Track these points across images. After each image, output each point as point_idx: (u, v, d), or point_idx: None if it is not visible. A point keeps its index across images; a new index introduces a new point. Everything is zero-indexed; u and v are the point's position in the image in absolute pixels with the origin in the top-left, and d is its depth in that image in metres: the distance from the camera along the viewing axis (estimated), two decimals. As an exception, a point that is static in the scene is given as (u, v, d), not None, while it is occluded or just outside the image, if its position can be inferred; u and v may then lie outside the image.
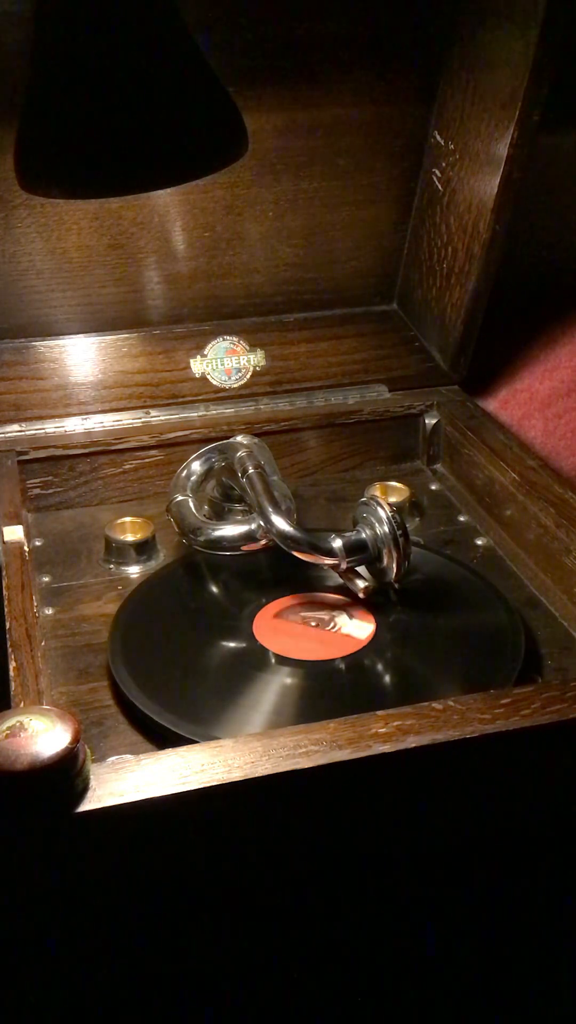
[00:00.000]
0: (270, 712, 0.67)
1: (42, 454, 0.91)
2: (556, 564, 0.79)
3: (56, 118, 0.66)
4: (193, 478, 0.84)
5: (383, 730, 0.55)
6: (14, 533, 0.78)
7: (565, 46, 0.78)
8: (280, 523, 0.74)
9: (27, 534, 0.80)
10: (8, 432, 0.93)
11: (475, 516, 0.90)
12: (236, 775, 0.53)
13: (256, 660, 0.71)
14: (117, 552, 0.84)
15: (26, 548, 0.76)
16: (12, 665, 0.63)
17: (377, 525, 0.73)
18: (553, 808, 0.61)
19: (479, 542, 0.87)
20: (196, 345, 0.98)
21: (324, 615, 0.75)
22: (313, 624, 0.75)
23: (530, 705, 0.57)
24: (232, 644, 0.74)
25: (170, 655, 0.72)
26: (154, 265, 0.95)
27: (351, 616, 0.75)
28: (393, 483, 0.91)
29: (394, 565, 0.73)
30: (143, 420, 0.95)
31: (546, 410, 0.98)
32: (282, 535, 0.74)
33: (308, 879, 0.58)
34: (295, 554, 0.74)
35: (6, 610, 0.69)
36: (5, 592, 0.71)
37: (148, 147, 0.66)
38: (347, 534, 0.74)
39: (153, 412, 0.96)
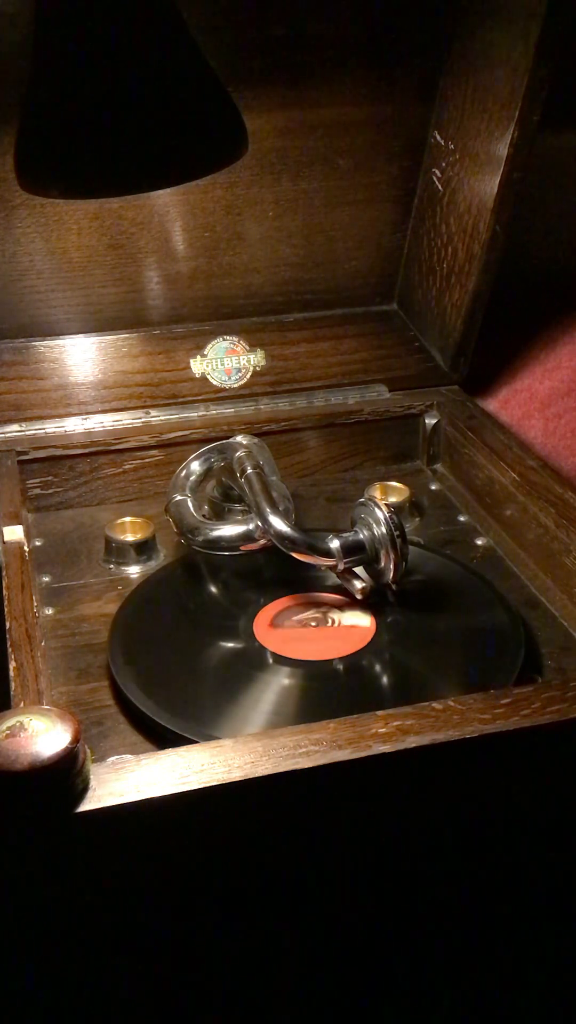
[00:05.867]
0: (270, 712, 0.67)
1: (42, 454, 0.91)
2: (556, 564, 0.79)
3: (56, 118, 0.66)
4: (192, 478, 0.84)
5: (383, 730, 0.55)
6: (14, 533, 0.78)
7: (565, 46, 0.78)
8: (278, 523, 0.74)
9: (27, 534, 0.80)
10: (8, 432, 0.93)
11: (475, 516, 0.90)
12: (236, 775, 0.53)
13: (256, 660, 0.71)
14: (117, 552, 0.84)
15: (26, 548, 0.76)
16: (12, 665, 0.63)
17: (375, 526, 0.73)
18: (553, 808, 0.61)
19: (479, 542, 0.87)
20: (196, 345, 0.98)
21: (324, 615, 0.76)
22: (313, 624, 0.75)
23: (530, 705, 0.57)
24: (232, 644, 0.74)
25: (170, 655, 0.72)
26: (154, 265, 0.95)
27: (351, 616, 0.75)
28: (393, 483, 0.91)
29: (391, 566, 0.73)
30: (143, 420, 0.95)
31: (546, 410, 0.98)
32: (279, 535, 0.74)
33: (308, 879, 0.58)
34: (292, 555, 0.74)
35: (6, 610, 0.69)
36: (5, 592, 0.71)
37: (148, 147, 0.66)
38: (345, 535, 0.74)
39: (153, 412, 0.96)
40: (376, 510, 0.74)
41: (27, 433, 0.93)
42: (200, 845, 0.55)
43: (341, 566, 0.74)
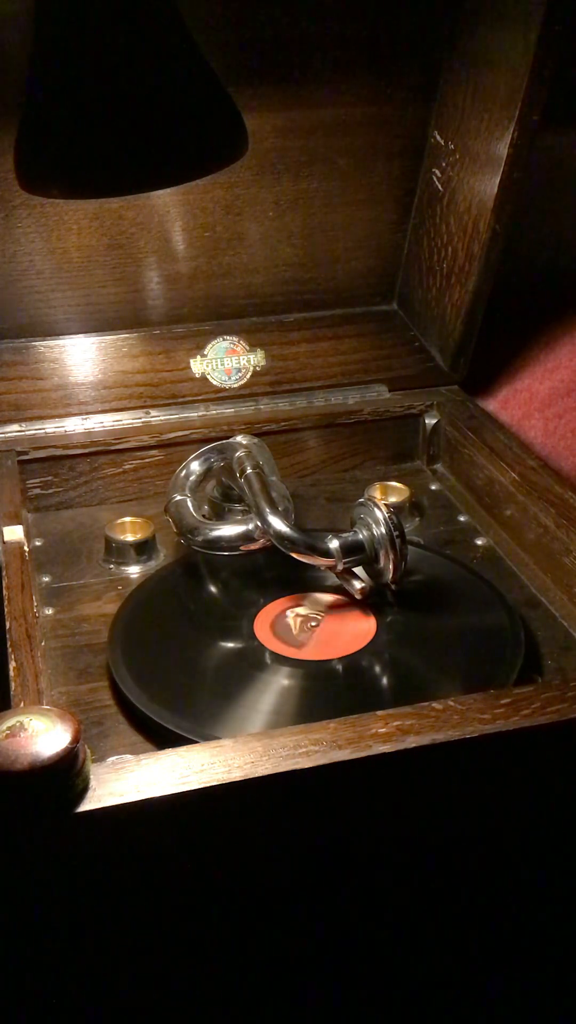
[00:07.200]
0: (270, 712, 0.67)
1: (42, 454, 0.91)
2: (556, 564, 0.79)
3: (56, 118, 0.66)
4: (192, 478, 0.84)
5: (383, 730, 0.55)
6: (14, 533, 0.78)
7: (565, 46, 0.78)
8: (277, 523, 0.74)
9: (27, 534, 0.80)
10: (8, 432, 0.93)
11: (475, 516, 0.90)
12: (236, 775, 0.53)
13: (256, 660, 0.71)
14: (117, 552, 0.84)
15: (26, 548, 0.76)
16: (12, 665, 0.63)
17: (374, 526, 0.73)
18: (553, 808, 0.61)
19: (479, 542, 0.87)
20: (196, 345, 0.98)
21: (324, 615, 0.75)
22: (313, 624, 0.75)
23: (530, 705, 0.57)
24: (232, 644, 0.74)
25: (170, 655, 0.72)
26: (154, 265, 0.95)
27: (351, 616, 0.75)
28: (393, 483, 0.91)
29: (391, 566, 0.73)
30: (143, 420, 0.95)
31: (546, 410, 0.98)
32: (279, 535, 0.74)
33: (308, 879, 0.58)
34: (292, 555, 0.74)
35: (6, 610, 0.69)
36: (5, 592, 0.71)
37: (148, 147, 0.66)
38: (344, 535, 0.74)
39: (153, 412, 0.96)
40: (376, 510, 0.74)
41: (27, 433, 0.93)
42: (200, 845, 0.55)
43: (340, 566, 0.74)
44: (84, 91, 0.65)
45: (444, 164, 0.92)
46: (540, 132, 0.83)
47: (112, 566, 0.84)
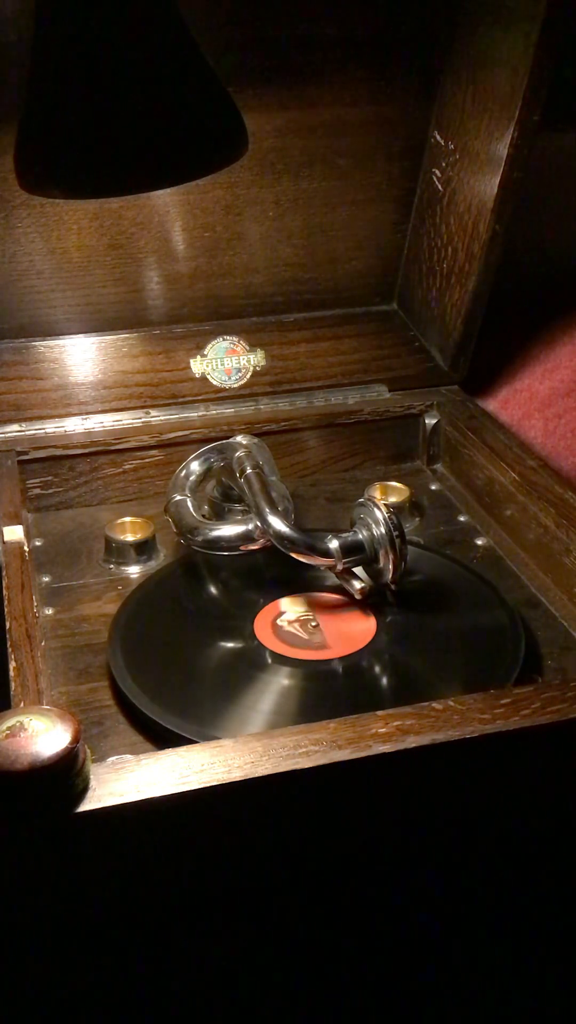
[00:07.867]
0: (270, 712, 0.67)
1: (42, 454, 0.91)
2: (556, 564, 0.79)
3: (56, 118, 0.66)
4: (192, 478, 0.84)
5: (383, 730, 0.55)
6: (14, 533, 0.78)
7: (565, 46, 0.78)
8: (276, 523, 0.74)
9: (27, 534, 0.80)
10: (8, 432, 0.93)
11: (475, 516, 0.90)
12: (236, 775, 0.53)
13: (256, 660, 0.71)
14: (117, 552, 0.84)
15: (26, 548, 0.76)
16: (12, 665, 0.63)
17: (374, 526, 0.73)
18: (553, 808, 0.61)
19: (479, 542, 0.87)
20: (196, 345, 0.98)
21: (324, 615, 0.75)
22: (313, 624, 0.75)
23: (530, 705, 0.57)
24: (232, 644, 0.74)
25: (170, 655, 0.72)
26: (154, 265, 0.95)
27: (351, 616, 0.75)
28: (393, 483, 0.91)
29: (391, 566, 0.73)
30: (143, 420, 0.95)
31: (546, 410, 0.98)
32: (278, 535, 0.74)
33: (308, 879, 0.58)
34: (291, 555, 0.74)
35: (6, 610, 0.69)
36: (5, 592, 0.71)
37: (148, 147, 0.66)
38: (344, 535, 0.74)
39: (153, 412, 0.96)
40: (375, 510, 0.74)
41: (27, 433, 0.93)
42: (200, 845, 0.55)
43: (340, 566, 0.74)
44: (84, 91, 0.65)
45: (444, 164, 0.92)
46: (540, 132, 0.83)
47: (112, 566, 0.84)
